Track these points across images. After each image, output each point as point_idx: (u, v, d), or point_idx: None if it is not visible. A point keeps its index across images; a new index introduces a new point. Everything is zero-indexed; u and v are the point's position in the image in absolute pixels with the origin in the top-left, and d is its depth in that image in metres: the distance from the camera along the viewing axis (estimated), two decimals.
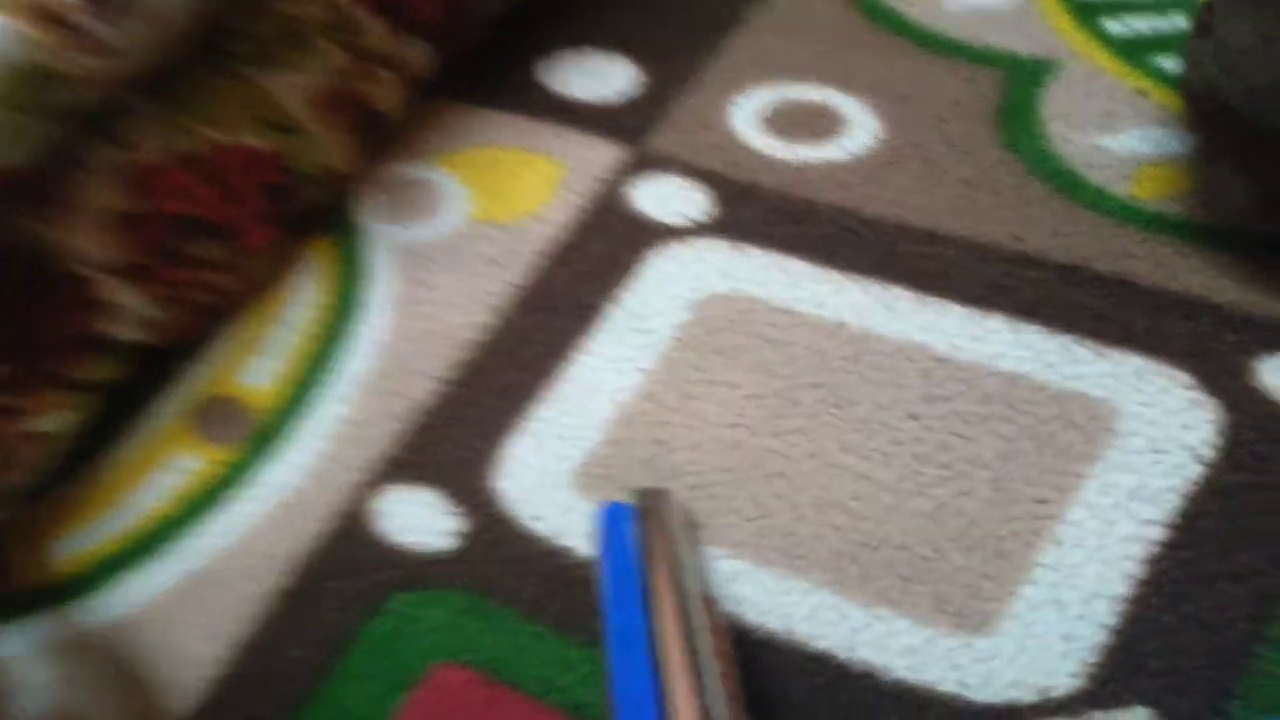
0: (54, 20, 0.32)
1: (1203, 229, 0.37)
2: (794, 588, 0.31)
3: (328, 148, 0.42)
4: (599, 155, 0.43)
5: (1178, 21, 0.43)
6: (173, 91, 0.37)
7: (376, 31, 0.42)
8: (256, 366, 0.39)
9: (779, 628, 0.30)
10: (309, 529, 0.35)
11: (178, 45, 0.36)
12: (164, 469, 0.37)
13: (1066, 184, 0.39)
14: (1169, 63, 0.42)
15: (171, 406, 0.39)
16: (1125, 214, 0.38)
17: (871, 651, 0.30)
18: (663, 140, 0.44)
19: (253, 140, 0.39)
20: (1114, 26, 0.44)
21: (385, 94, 0.44)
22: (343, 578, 0.33)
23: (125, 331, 0.38)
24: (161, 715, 0.32)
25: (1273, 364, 0.33)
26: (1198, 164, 0.37)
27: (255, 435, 0.37)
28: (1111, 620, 0.29)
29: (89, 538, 0.36)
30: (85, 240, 0.35)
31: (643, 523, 0.31)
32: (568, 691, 0.30)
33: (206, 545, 0.35)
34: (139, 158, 0.36)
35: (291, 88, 0.40)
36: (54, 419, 0.37)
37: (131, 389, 0.40)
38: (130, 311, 0.38)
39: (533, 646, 0.31)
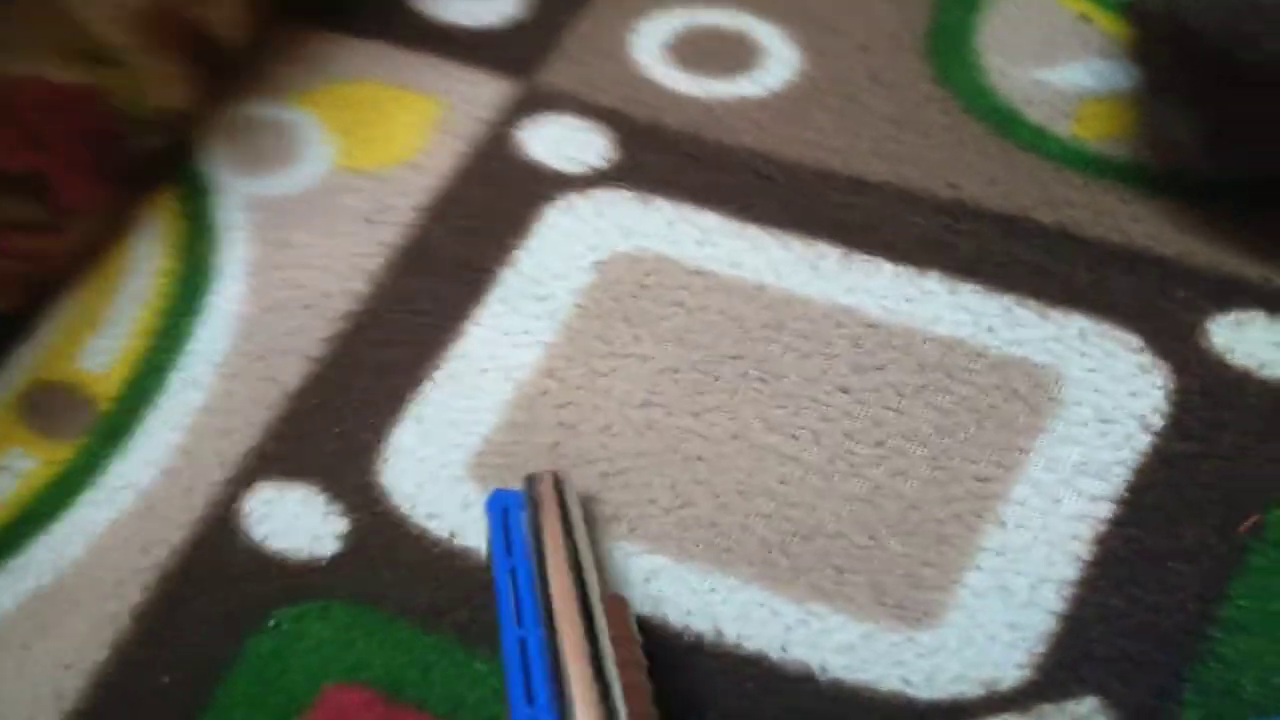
0: None
1: (1148, 172, 0.35)
2: (720, 584, 0.28)
3: (155, 82, 0.36)
4: (482, 91, 0.38)
5: None
6: None
7: None
8: (94, 347, 0.34)
9: (706, 628, 0.28)
10: (169, 536, 0.30)
11: None
12: None
13: (1003, 122, 0.36)
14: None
15: None
16: (1066, 156, 0.35)
17: (806, 650, 0.27)
18: (555, 73, 0.39)
19: (56, 73, 0.33)
20: None
21: (223, 15, 0.38)
22: (212, 591, 0.30)
23: None
24: None
25: (1223, 322, 0.31)
26: (1143, 99, 0.35)
27: (98, 428, 0.33)
28: (1059, 606, 0.27)
29: None
30: None
31: (534, 512, 0.28)
32: (478, 709, 0.27)
33: (51, 559, 0.30)
34: None
35: (100, 7, 0.34)
36: None
37: None
38: None
39: (435, 661, 0.28)
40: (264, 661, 0.28)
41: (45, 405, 0.34)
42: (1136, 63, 0.33)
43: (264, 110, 0.39)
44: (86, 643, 0.29)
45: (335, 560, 0.30)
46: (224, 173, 0.37)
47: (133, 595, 0.30)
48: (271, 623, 0.29)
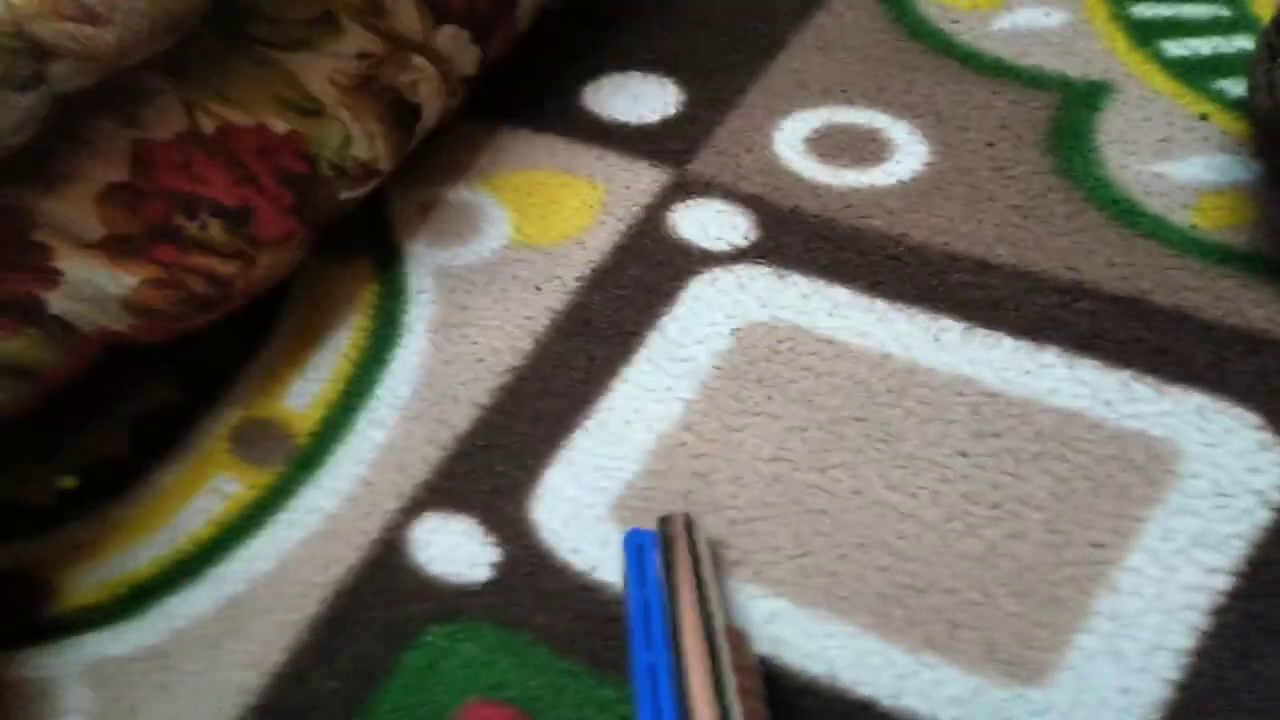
0: None
1: (1267, 261, 0.35)
2: (836, 630, 0.30)
3: (355, 136, 0.40)
4: (640, 179, 0.43)
5: (1240, 43, 0.42)
6: (190, 70, 0.35)
7: (406, 13, 0.40)
8: (298, 389, 0.40)
9: (820, 672, 0.30)
10: (346, 556, 0.35)
11: (188, 20, 0.34)
12: (205, 491, 0.38)
13: (1123, 212, 0.38)
14: (1231, 86, 0.40)
15: (213, 428, 0.39)
16: (1185, 244, 0.37)
17: (917, 700, 0.29)
18: (704, 164, 0.43)
19: (271, 120, 0.37)
20: (1172, 48, 0.42)
21: (419, 85, 0.42)
22: (378, 608, 0.33)
23: (73, 313, 0.35)
24: None
25: None
26: (1262, 192, 0.36)
27: (296, 459, 0.38)
28: (1174, 674, 0.28)
29: (131, 560, 0.37)
30: (67, 209, 0.33)
31: (666, 550, 0.30)
32: None
33: (246, 570, 0.35)
34: (147, 135, 0.34)
35: (315, 68, 0.38)
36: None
37: (174, 407, 0.40)
38: (86, 288, 0.35)
39: (568, 685, 0.31)
40: (418, 673, 0.32)
41: (252, 438, 0.39)
42: (1254, 158, 0.34)
43: (452, 191, 0.45)
44: (268, 646, 0.33)
45: (487, 586, 0.33)
46: (415, 243, 0.43)
47: (310, 607, 0.34)
48: (428, 639, 0.32)
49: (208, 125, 0.36)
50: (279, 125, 0.38)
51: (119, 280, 0.36)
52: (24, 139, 0.32)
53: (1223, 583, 0.29)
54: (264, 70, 0.37)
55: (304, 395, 0.40)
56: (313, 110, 0.39)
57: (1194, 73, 0.41)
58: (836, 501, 0.33)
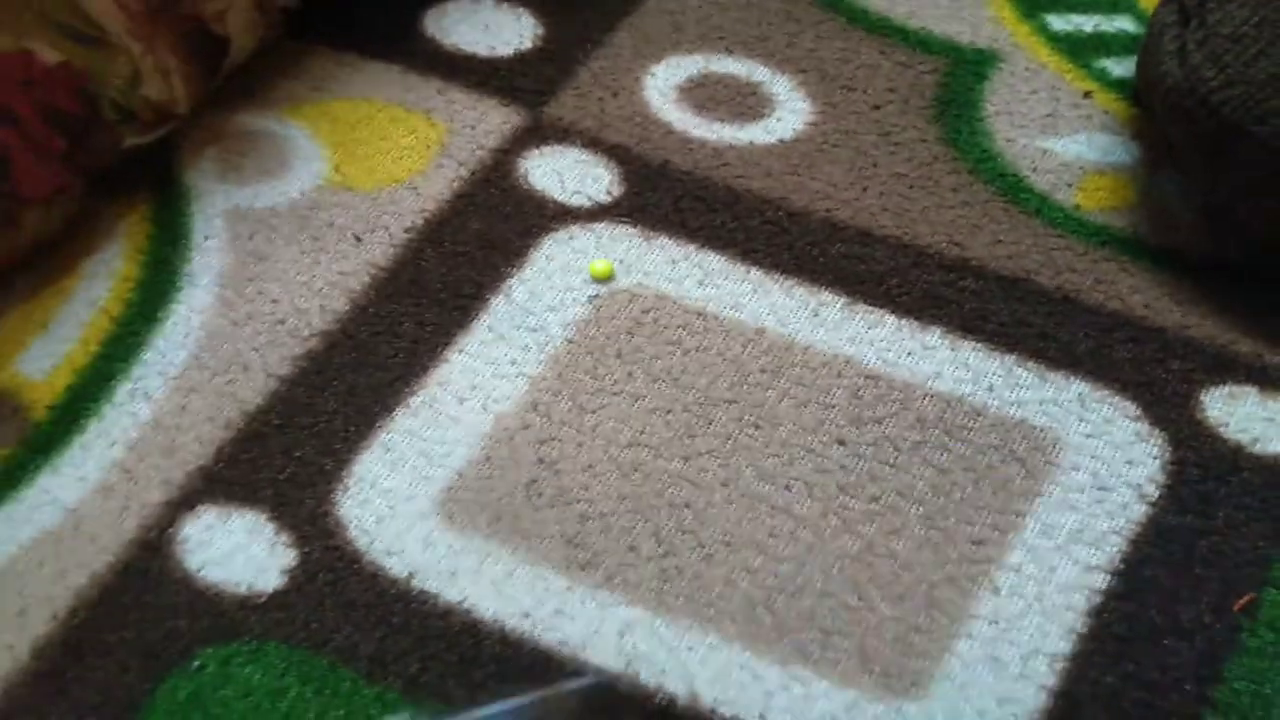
0: None
1: (1147, 245, 0.36)
2: (699, 642, 0.28)
3: (146, 71, 0.35)
4: (487, 118, 0.39)
5: (1122, 24, 0.42)
6: None
7: None
8: (37, 350, 0.33)
9: (681, 690, 0.27)
10: (91, 561, 0.29)
11: None
12: None
13: (1009, 188, 0.37)
14: (1114, 65, 0.41)
15: None
16: (1069, 225, 0.36)
17: (787, 719, 0.26)
18: (563, 107, 0.39)
19: (37, 46, 0.32)
20: (1057, 22, 0.42)
21: (228, 15, 0.37)
22: (132, 626, 0.28)
23: None
24: None
25: (1216, 395, 0.32)
26: (1142, 175, 0.36)
27: (29, 438, 0.31)
28: (1051, 681, 0.27)
29: None
30: None
31: None
32: None
33: None
34: None
35: None
36: None
37: None
38: None
39: (375, 717, 0.26)
40: (182, 708, 0.26)
41: None
42: (1138, 139, 0.35)
43: (256, 120, 0.39)
44: None
45: (277, 596, 0.28)
46: (205, 180, 0.37)
47: (36, 626, 0.28)
48: (195, 663, 0.27)
49: None
50: (48, 54, 0.32)
51: None
52: None
53: (1100, 581, 0.29)
54: None
55: (45, 358, 0.33)
56: (92, 38, 0.33)
57: (1079, 49, 0.41)
58: (702, 494, 0.30)
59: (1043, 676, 0.27)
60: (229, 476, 0.30)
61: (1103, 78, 0.40)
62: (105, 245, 0.35)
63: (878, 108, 0.40)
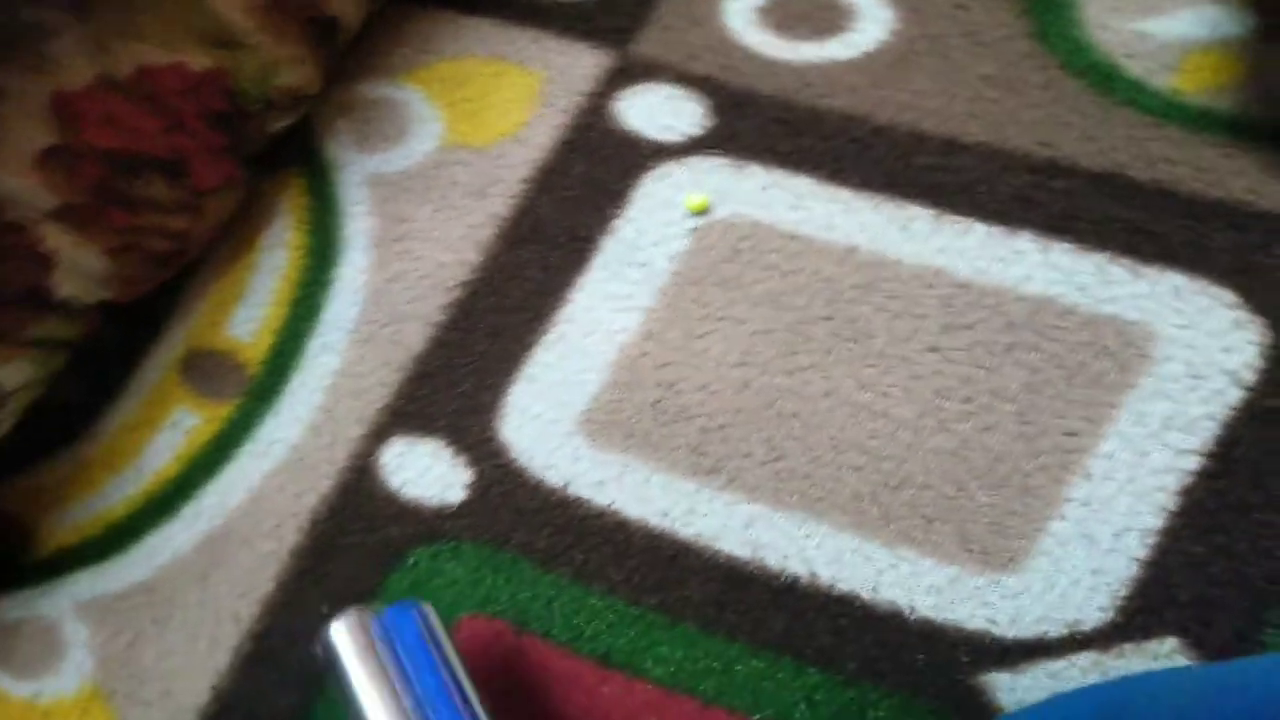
0: None
1: (1253, 125, 0.35)
2: (814, 530, 0.31)
3: (279, 63, 0.39)
4: (579, 62, 0.41)
5: None
6: (96, 6, 0.34)
7: None
8: (241, 316, 0.39)
9: (801, 571, 0.31)
10: (317, 485, 0.35)
11: None
12: (165, 427, 0.37)
13: (1101, 79, 0.37)
14: None
15: (161, 361, 0.39)
16: (1166, 111, 0.36)
17: (896, 592, 0.30)
18: (648, 43, 0.41)
19: (191, 58, 0.37)
20: None
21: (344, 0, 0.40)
22: (358, 533, 0.34)
23: (78, 288, 0.37)
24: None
25: None
26: (1253, 47, 0.35)
27: (251, 389, 0.37)
28: (1142, 553, 0.30)
29: (103, 500, 0.37)
30: (16, 183, 0.34)
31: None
32: (596, 640, 0.31)
33: (219, 504, 0.36)
34: (63, 84, 0.34)
35: None
36: (9, 373, 0.36)
37: (119, 344, 0.39)
38: (82, 265, 0.36)
39: (555, 596, 0.32)
40: (408, 594, 0.33)
41: (203, 369, 0.38)
42: (1248, 7, 0.33)
43: (375, 88, 0.42)
44: (255, 575, 0.34)
45: (463, 506, 0.34)
46: (343, 150, 0.41)
47: (290, 536, 0.34)
48: (411, 561, 0.33)
49: (123, 67, 0.35)
50: (198, 62, 0.37)
51: (89, 252, 0.36)
52: None
53: (1192, 463, 0.30)
54: (173, 1, 0.36)
55: (249, 322, 0.39)
56: (230, 41, 0.37)
57: None
58: (807, 404, 0.33)
59: (1134, 550, 0.30)
60: (409, 411, 0.36)
61: None
62: (273, 220, 0.41)
63: (962, 7, 0.39)
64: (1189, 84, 0.36)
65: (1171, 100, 0.36)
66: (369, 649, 0.28)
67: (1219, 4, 0.37)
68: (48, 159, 0.34)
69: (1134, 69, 0.37)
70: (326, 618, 0.29)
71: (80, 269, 0.36)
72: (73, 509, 0.37)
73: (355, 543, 0.34)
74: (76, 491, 0.37)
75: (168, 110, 0.37)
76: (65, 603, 0.35)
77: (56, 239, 0.35)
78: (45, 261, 0.35)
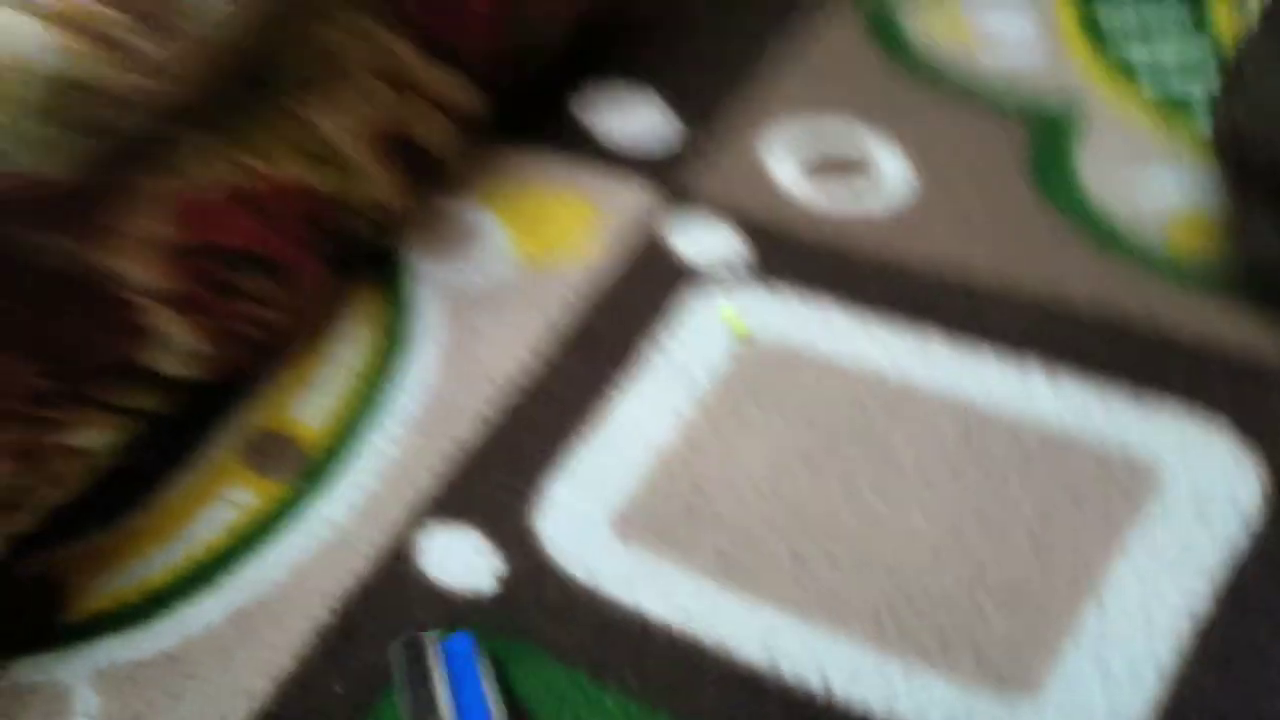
0: (98, 35, 0.32)
1: (1241, 285, 0.38)
2: (833, 644, 0.32)
3: (378, 184, 0.44)
4: (636, 195, 0.45)
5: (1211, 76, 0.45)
6: (223, 124, 0.38)
7: (419, 67, 0.44)
8: (309, 403, 0.41)
9: (817, 685, 0.32)
10: (355, 566, 0.36)
11: (224, 75, 0.37)
12: (218, 501, 0.39)
13: (1104, 236, 0.41)
14: (1202, 114, 0.43)
15: (225, 439, 0.41)
16: (1163, 267, 0.39)
17: (912, 712, 0.31)
18: (697, 181, 0.46)
19: (303, 175, 0.41)
20: (1146, 91, 0.45)
21: (433, 132, 0.46)
22: (386, 617, 0.35)
23: (171, 364, 0.40)
24: None
25: None
26: (1233, 216, 0.38)
27: (306, 471, 0.39)
28: (1158, 688, 0.30)
29: (146, 568, 0.38)
30: (132, 267, 0.37)
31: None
32: None
33: (258, 579, 0.37)
34: (188, 188, 0.37)
35: (339, 123, 0.42)
36: (91, 436, 0.38)
37: (187, 419, 0.41)
38: (177, 343, 0.39)
39: (569, 693, 0.32)
40: None
41: (265, 450, 0.40)
42: (1226, 182, 0.37)
43: (449, 205, 0.46)
44: (279, 652, 0.35)
45: (493, 598, 0.35)
46: (420, 260, 0.45)
47: (320, 615, 0.35)
48: None
49: (241, 177, 0.39)
50: (305, 177, 0.41)
51: (189, 333, 0.39)
52: (72, 177, 0.33)
53: (1204, 600, 0.32)
54: (291, 124, 0.40)
55: (316, 409, 0.41)
56: (334, 162, 0.42)
57: (1165, 102, 0.44)
58: (832, 518, 0.35)
59: (1149, 685, 0.30)
60: (452, 500, 0.38)
61: (1192, 127, 0.43)
62: (349, 317, 0.44)
63: (976, 170, 0.44)
64: (1181, 244, 0.40)
65: (1167, 258, 0.40)
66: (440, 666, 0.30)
67: (1199, 176, 0.41)
68: (165, 250, 0.37)
69: (1132, 229, 0.41)
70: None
71: (176, 347, 0.39)
72: (115, 576, 0.38)
73: (382, 626, 0.35)
74: (122, 558, 0.38)
75: (275, 216, 0.41)
76: (84, 669, 0.36)
77: (159, 317, 0.38)
78: (145, 336, 0.38)
